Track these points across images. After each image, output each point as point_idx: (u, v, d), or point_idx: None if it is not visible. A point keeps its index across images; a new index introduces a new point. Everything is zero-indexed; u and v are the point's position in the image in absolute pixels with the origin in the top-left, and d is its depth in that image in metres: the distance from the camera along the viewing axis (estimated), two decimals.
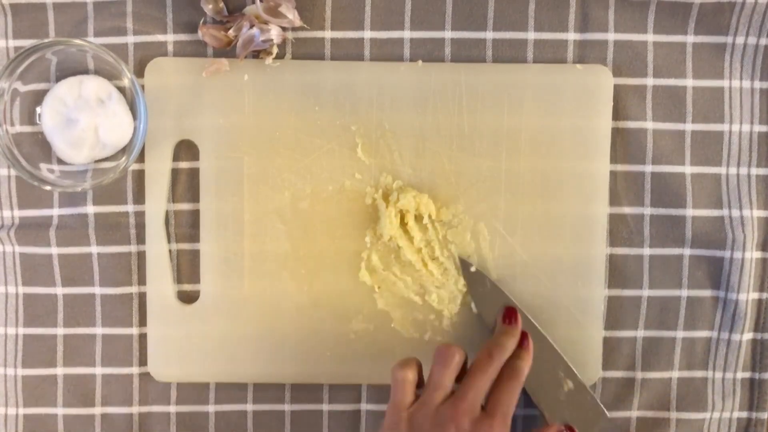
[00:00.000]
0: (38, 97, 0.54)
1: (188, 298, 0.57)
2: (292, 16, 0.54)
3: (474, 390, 0.49)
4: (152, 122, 0.55)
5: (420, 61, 0.55)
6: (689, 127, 0.56)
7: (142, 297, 0.57)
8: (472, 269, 0.56)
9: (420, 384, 0.51)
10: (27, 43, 0.56)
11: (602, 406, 0.55)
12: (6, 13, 0.56)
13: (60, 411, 0.58)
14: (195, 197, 0.56)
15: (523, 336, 0.53)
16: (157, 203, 0.56)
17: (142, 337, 0.57)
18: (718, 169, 0.56)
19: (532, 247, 0.56)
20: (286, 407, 0.58)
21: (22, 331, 0.57)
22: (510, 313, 0.54)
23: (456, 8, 0.55)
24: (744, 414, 0.58)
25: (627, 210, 0.57)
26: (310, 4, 0.55)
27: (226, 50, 0.55)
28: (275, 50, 0.55)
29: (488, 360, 0.51)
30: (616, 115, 0.56)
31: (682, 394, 0.58)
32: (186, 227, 0.57)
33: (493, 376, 0.51)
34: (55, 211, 0.57)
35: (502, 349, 0.52)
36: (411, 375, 0.50)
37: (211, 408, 0.58)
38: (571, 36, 0.56)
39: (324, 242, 0.56)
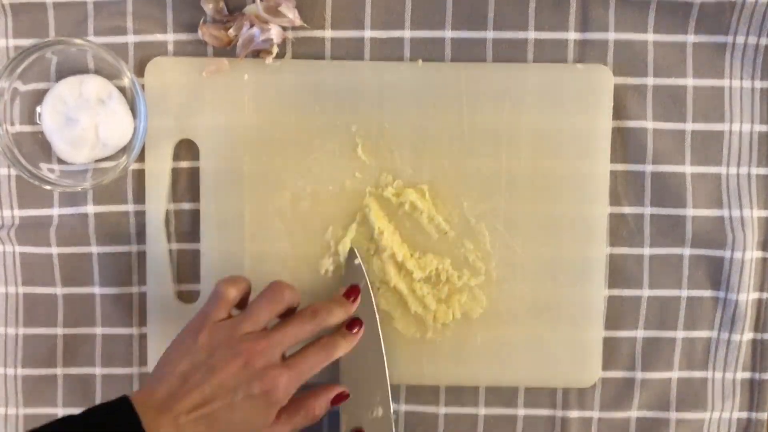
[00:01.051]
0: (38, 97, 0.54)
1: (188, 298, 0.57)
2: (292, 15, 0.54)
3: (282, 335, 0.49)
4: (152, 122, 0.55)
5: (420, 61, 0.55)
6: (689, 126, 0.56)
7: (142, 297, 0.57)
8: (356, 262, 0.55)
9: (240, 306, 0.51)
10: (27, 42, 0.56)
11: None
12: (6, 13, 0.56)
13: (60, 411, 0.58)
14: (195, 197, 0.56)
15: (356, 322, 0.53)
16: (157, 203, 0.56)
17: (142, 337, 0.57)
18: (719, 168, 0.56)
19: (532, 247, 0.56)
20: None
21: (22, 331, 0.57)
22: (353, 292, 0.54)
23: (456, 8, 0.55)
24: (744, 414, 0.58)
25: (627, 210, 0.57)
26: (310, 4, 0.55)
27: (227, 50, 0.55)
28: (275, 50, 0.55)
29: (310, 315, 0.50)
30: (617, 114, 0.56)
31: (681, 394, 0.58)
32: (186, 227, 0.57)
33: (308, 335, 0.50)
34: (55, 211, 0.57)
35: (328, 313, 0.51)
36: (234, 293, 0.50)
37: None
38: (572, 35, 0.56)
39: (324, 242, 0.56)
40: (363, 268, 0.55)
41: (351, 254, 0.55)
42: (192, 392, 0.46)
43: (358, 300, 0.53)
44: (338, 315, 0.52)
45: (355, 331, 0.53)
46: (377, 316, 0.54)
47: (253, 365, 0.47)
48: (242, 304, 0.51)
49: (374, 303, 0.55)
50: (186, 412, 0.45)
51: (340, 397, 0.53)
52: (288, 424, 0.50)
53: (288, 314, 0.51)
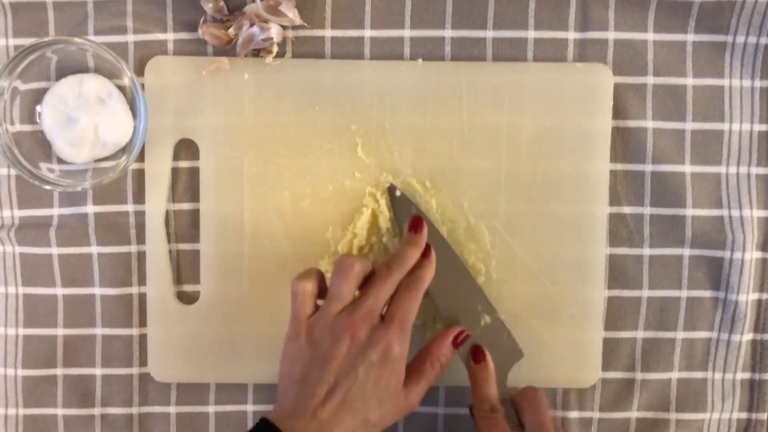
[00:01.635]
0: (38, 96, 0.54)
1: (188, 298, 0.57)
2: (292, 14, 0.54)
3: (371, 298, 0.49)
4: (152, 121, 0.55)
5: (420, 60, 0.55)
6: (689, 126, 0.56)
7: (142, 297, 0.57)
8: (398, 193, 0.55)
9: (322, 296, 0.51)
10: (27, 41, 0.55)
11: (520, 347, 0.55)
12: (6, 12, 0.56)
13: (60, 411, 0.58)
14: (195, 197, 0.56)
15: (427, 247, 0.53)
16: (157, 203, 0.56)
17: (142, 338, 0.57)
18: (718, 168, 0.56)
19: (532, 247, 0.56)
20: None
21: (22, 331, 0.57)
22: (417, 223, 0.53)
23: (456, 7, 0.55)
24: (744, 415, 0.58)
25: (627, 210, 0.57)
26: (310, 3, 0.55)
27: (227, 49, 0.55)
28: (275, 49, 0.55)
29: (387, 270, 0.50)
30: (616, 114, 0.56)
31: (681, 394, 0.58)
32: (186, 227, 0.57)
33: (393, 286, 0.50)
34: (55, 211, 0.57)
35: (402, 260, 0.51)
36: (309, 286, 0.50)
37: (211, 408, 0.58)
38: (572, 35, 0.56)
39: (324, 242, 0.56)
40: (407, 196, 0.55)
41: (391, 192, 0.55)
42: (317, 388, 0.47)
43: (425, 228, 0.53)
44: (413, 255, 0.52)
45: (428, 255, 0.53)
46: (441, 231, 0.55)
47: (359, 337, 0.48)
48: (323, 292, 0.52)
49: (432, 221, 0.55)
50: (321, 407, 0.47)
51: (460, 337, 0.52)
52: (420, 379, 0.51)
53: (366, 280, 0.51)
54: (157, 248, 0.56)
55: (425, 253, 0.53)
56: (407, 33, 0.56)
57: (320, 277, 0.51)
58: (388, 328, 0.48)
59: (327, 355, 0.48)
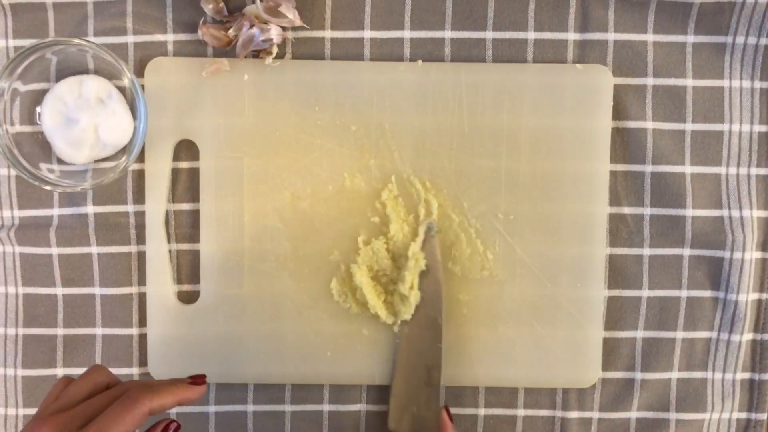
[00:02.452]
0: (38, 97, 0.54)
1: (188, 298, 0.57)
2: (292, 15, 0.54)
3: (87, 407, 0.43)
4: (152, 122, 0.55)
5: (420, 61, 0.55)
6: (689, 126, 0.56)
7: (142, 297, 0.57)
8: (432, 234, 0.55)
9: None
10: (27, 42, 0.56)
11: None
12: (6, 13, 0.56)
13: None
14: (195, 197, 0.56)
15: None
16: (157, 203, 0.56)
17: (142, 338, 0.57)
18: (718, 169, 0.56)
19: (532, 247, 0.56)
20: (286, 407, 0.58)
21: (22, 331, 0.57)
22: (199, 379, 0.48)
23: (456, 8, 0.55)
24: (743, 415, 0.58)
25: (627, 210, 0.57)
26: (310, 4, 0.55)
27: (226, 50, 0.55)
28: (275, 50, 0.55)
29: (126, 403, 0.43)
30: (616, 114, 0.56)
31: (681, 394, 0.58)
32: (186, 227, 0.57)
33: (124, 417, 0.43)
34: (55, 211, 0.57)
35: (141, 397, 0.44)
36: (73, 390, 0.45)
37: (212, 408, 0.58)
38: (571, 36, 0.56)
39: (324, 242, 0.56)
40: (437, 241, 0.55)
41: (428, 231, 0.55)
42: None
43: (202, 390, 0.48)
44: (167, 401, 0.45)
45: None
46: (442, 299, 0.55)
47: None
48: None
49: (438, 278, 0.55)
50: None
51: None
52: None
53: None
54: (157, 248, 0.56)
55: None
56: (407, 34, 0.56)
57: (101, 388, 0.46)
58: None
59: None
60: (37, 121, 0.55)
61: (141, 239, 0.57)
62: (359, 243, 0.56)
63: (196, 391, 0.47)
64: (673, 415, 0.58)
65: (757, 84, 0.56)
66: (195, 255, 0.57)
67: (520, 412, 0.58)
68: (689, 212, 0.56)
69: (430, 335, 0.55)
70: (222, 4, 0.55)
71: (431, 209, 0.55)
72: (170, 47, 0.56)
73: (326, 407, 0.58)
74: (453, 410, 0.58)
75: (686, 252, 0.57)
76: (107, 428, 0.42)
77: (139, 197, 0.56)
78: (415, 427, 0.55)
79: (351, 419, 0.58)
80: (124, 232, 0.57)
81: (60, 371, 0.58)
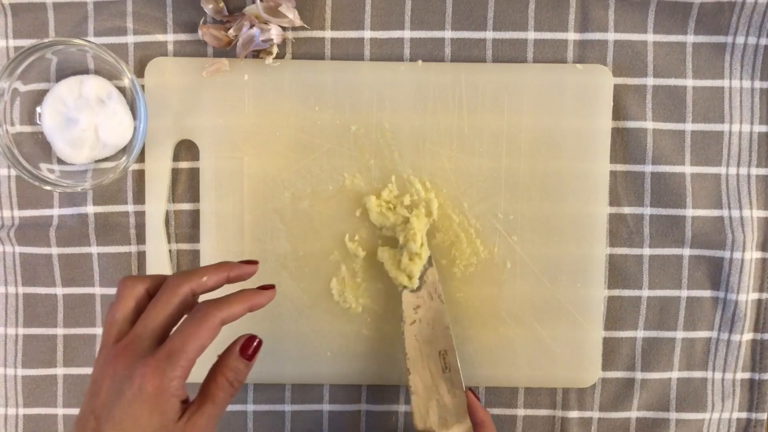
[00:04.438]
0: (38, 97, 0.54)
1: None
2: (292, 15, 0.54)
3: (140, 324, 0.43)
4: (152, 122, 0.55)
5: (420, 61, 0.55)
6: (689, 127, 0.56)
7: None
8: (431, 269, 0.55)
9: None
10: (27, 42, 0.56)
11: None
12: (6, 13, 0.56)
13: (60, 411, 0.58)
14: (195, 197, 0.56)
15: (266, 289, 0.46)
16: (157, 203, 0.56)
17: None
18: (718, 169, 0.56)
19: (532, 247, 0.56)
20: (286, 407, 0.58)
21: (22, 331, 0.57)
22: (250, 264, 0.47)
23: (456, 8, 0.55)
24: (743, 414, 0.58)
25: (627, 210, 0.57)
26: (310, 4, 0.55)
27: (226, 50, 0.55)
28: (275, 50, 0.55)
29: (165, 289, 0.44)
30: (616, 115, 0.56)
31: (681, 394, 0.58)
32: (186, 227, 0.57)
33: (170, 308, 0.43)
34: (55, 211, 0.57)
35: (190, 275, 0.45)
36: (119, 314, 0.44)
37: None
38: (571, 36, 0.56)
39: (324, 242, 0.56)
40: (436, 276, 0.55)
41: (429, 261, 0.55)
42: (85, 427, 0.42)
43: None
44: (210, 274, 0.45)
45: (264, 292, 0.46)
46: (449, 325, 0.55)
47: (117, 371, 0.42)
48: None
49: (434, 264, 0.54)
50: None
51: (251, 347, 0.45)
52: (204, 403, 0.43)
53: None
54: (157, 248, 0.56)
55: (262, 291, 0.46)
56: (407, 34, 0.56)
57: (141, 296, 0.45)
58: (150, 359, 0.41)
59: (94, 390, 0.42)
60: (38, 121, 0.55)
61: (141, 239, 0.57)
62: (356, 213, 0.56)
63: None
64: (673, 415, 0.58)
65: (757, 84, 0.56)
66: (195, 255, 0.57)
67: (520, 412, 0.58)
68: (689, 212, 0.56)
69: (436, 319, 0.54)
70: (222, 4, 0.55)
71: (431, 209, 0.55)
72: (170, 47, 0.56)
73: (326, 407, 0.58)
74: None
75: (686, 252, 0.57)
76: (184, 346, 0.42)
77: (139, 197, 0.56)
78: (443, 417, 0.53)
79: (351, 419, 0.58)
80: (124, 232, 0.57)
81: (60, 371, 0.58)
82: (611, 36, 0.56)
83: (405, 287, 0.54)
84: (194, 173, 0.56)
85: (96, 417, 0.41)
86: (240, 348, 0.45)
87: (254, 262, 0.47)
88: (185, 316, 0.44)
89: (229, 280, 0.46)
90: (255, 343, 0.45)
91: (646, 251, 0.57)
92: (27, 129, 0.55)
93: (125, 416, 0.41)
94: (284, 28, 0.55)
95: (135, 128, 0.54)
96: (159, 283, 0.45)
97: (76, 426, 0.42)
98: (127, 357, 0.42)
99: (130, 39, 0.56)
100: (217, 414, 0.43)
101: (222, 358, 0.45)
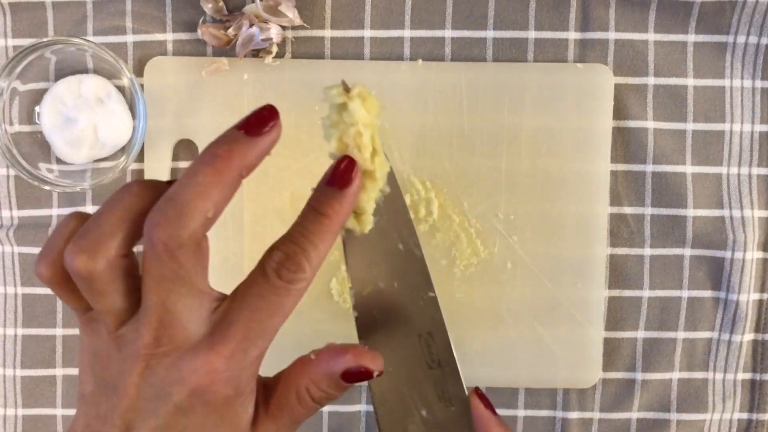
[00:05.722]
0: (37, 97, 0.54)
1: None
2: (291, 14, 0.54)
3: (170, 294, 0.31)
4: (151, 121, 0.55)
5: (420, 60, 0.55)
6: (690, 126, 0.56)
7: None
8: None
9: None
10: (26, 42, 0.55)
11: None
12: (5, 12, 0.55)
13: (60, 411, 0.58)
14: None
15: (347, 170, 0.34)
16: None
17: None
18: (719, 168, 0.56)
19: (532, 247, 0.56)
20: None
21: (21, 331, 0.57)
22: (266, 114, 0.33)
23: (456, 7, 0.55)
24: (744, 415, 0.58)
25: (627, 210, 0.57)
26: (309, 3, 0.55)
27: (226, 49, 0.55)
28: (275, 49, 0.55)
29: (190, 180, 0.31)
30: (617, 114, 0.56)
31: (682, 395, 0.58)
32: None
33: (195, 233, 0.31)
34: (55, 211, 0.57)
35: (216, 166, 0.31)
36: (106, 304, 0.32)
37: None
38: (572, 35, 0.56)
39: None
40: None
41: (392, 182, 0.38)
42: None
43: (276, 128, 0.33)
44: (243, 155, 0.32)
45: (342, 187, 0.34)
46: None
47: (156, 367, 0.30)
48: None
49: (406, 207, 0.37)
50: None
51: (359, 373, 0.34)
52: (280, 417, 0.34)
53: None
54: None
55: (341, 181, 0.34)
56: (407, 33, 0.56)
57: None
58: (212, 351, 0.30)
59: (115, 384, 0.31)
60: (36, 121, 0.54)
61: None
62: None
63: (274, 133, 0.34)
64: (673, 416, 0.58)
65: (758, 84, 0.56)
66: None
67: (521, 412, 0.58)
68: (690, 212, 0.56)
69: (413, 282, 0.36)
70: (221, 3, 0.55)
71: (431, 209, 0.55)
72: (170, 46, 0.56)
73: (326, 408, 0.58)
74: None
75: (687, 252, 0.57)
76: (258, 323, 0.32)
77: None
78: None
79: (351, 419, 0.58)
80: None
81: (60, 371, 0.58)
82: (612, 35, 0.55)
83: (348, 231, 0.36)
84: None
85: (127, 425, 0.31)
86: (345, 374, 0.34)
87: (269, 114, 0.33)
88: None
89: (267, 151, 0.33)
90: (363, 370, 0.34)
91: (647, 251, 0.57)
92: (26, 128, 0.54)
93: (178, 427, 0.31)
94: (284, 28, 0.55)
95: (134, 128, 0.54)
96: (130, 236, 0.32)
97: (79, 416, 0.32)
98: (166, 345, 0.30)
99: (130, 38, 0.56)
100: (295, 428, 0.35)
101: (302, 369, 0.35)
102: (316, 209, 0.33)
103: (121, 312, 0.31)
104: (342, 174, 0.34)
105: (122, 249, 0.31)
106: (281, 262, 0.32)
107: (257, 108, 0.33)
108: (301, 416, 0.34)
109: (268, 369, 0.36)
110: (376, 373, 0.34)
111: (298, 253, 0.32)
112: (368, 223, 0.36)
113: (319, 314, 0.56)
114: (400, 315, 0.35)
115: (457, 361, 0.37)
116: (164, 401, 0.30)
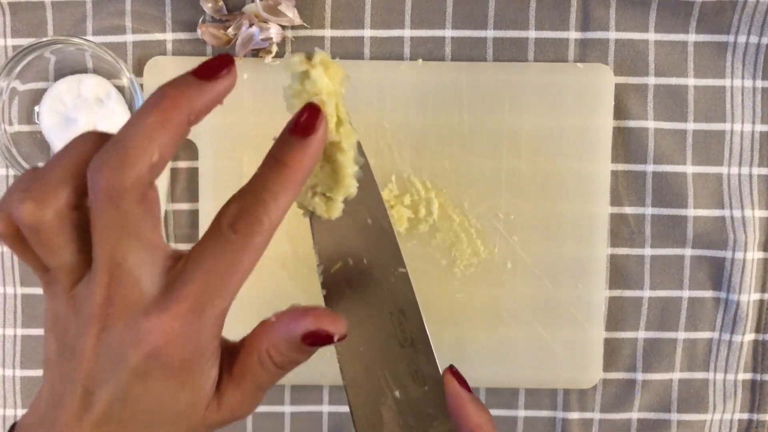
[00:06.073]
0: (37, 96, 0.54)
1: None
2: (291, 14, 0.54)
3: (120, 252, 0.29)
4: None
5: (420, 60, 0.55)
6: (690, 126, 0.56)
7: None
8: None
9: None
10: (25, 41, 0.55)
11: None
12: (4, 12, 0.55)
13: None
14: (194, 197, 0.56)
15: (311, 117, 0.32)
16: None
17: None
18: (720, 168, 0.56)
19: (533, 247, 0.56)
20: (286, 408, 0.58)
21: (20, 332, 0.57)
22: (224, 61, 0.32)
23: (456, 7, 0.55)
24: (745, 415, 0.58)
25: (628, 210, 0.56)
26: (309, 3, 0.55)
27: (226, 49, 0.55)
28: (275, 49, 0.55)
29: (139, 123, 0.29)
30: (618, 114, 0.56)
31: (683, 395, 0.58)
32: (185, 227, 0.57)
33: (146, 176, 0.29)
34: None
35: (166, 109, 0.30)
36: (49, 214, 0.29)
37: None
38: (572, 35, 0.56)
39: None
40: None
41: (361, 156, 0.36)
42: (65, 397, 0.30)
43: (230, 75, 0.32)
44: (192, 100, 0.31)
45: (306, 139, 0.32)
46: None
47: (112, 328, 0.29)
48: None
49: (375, 180, 0.35)
50: (77, 424, 0.29)
51: (319, 337, 0.32)
52: (243, 380, 0.33)
53: None
54: None
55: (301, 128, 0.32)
56: (407, 33, 0.56)
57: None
58: (166, 310, 0.29)
59: (73, 347, 0.30)
60: (36, 121, 0.54)
61: None
62: None
63: (227, 80, 0.32)
64: (674, 416, 0.58)
65: (759, 83, 0.56)
66: None
67: (521, 413, 0.58)
68: (691, 212, 0.56)
69: (383, 258, 0.35)
70: (221, 3, 0.55)
71: (431, 209, 0.55)
72: (169, 46, 0.56)
73: (326, 408, 0.58)
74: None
75: (688, 252, 0.57)
76: (216, 282, 0.30)
77: None
78: (405, 424, 0.34)
79: (351, 420, 0.58)
80: None
81: None
82: (612, 35, 0.55)
83: (313, 214, 0.36)
84: (193, 173, 0.56)
85: (85, 387, 0.29)
86: (305, 336, 0.32)
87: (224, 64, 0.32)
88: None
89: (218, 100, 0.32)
90: (323, 333, 0.32)
91: (648, 251, 0.57)
92: (25, 128, 0.54)
93: (139, 391, 0.30)
94: (284, 27, 0.55)
95: None
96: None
97: (45, 381, 0.31)
98: (122, 307, 0.29)
99: (129, 38, 0.56)
100: (260, 392, 0.34)
101: (262, 332, 0.33)
102: (277, 158, 0.31)
103: (75, 269, 0.30)
104: (306, 122, 0.32)
105: (71, 198, 0.29)
106: (237, 215, 0.30)
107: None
108: (265, 381, 0.33)
109: (235, 333, 0.33)
110: (337, 337, 0.32)
111: (255, 205, 0.30)
112: (337, 210, 0.35)
113: (282, 272, 0.55)
114: (369, 292, 0.34)
115: (430, 337, 0.35)
116: (122, 365, 0.29)
